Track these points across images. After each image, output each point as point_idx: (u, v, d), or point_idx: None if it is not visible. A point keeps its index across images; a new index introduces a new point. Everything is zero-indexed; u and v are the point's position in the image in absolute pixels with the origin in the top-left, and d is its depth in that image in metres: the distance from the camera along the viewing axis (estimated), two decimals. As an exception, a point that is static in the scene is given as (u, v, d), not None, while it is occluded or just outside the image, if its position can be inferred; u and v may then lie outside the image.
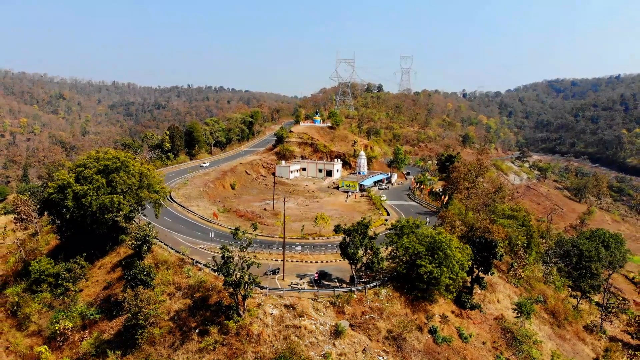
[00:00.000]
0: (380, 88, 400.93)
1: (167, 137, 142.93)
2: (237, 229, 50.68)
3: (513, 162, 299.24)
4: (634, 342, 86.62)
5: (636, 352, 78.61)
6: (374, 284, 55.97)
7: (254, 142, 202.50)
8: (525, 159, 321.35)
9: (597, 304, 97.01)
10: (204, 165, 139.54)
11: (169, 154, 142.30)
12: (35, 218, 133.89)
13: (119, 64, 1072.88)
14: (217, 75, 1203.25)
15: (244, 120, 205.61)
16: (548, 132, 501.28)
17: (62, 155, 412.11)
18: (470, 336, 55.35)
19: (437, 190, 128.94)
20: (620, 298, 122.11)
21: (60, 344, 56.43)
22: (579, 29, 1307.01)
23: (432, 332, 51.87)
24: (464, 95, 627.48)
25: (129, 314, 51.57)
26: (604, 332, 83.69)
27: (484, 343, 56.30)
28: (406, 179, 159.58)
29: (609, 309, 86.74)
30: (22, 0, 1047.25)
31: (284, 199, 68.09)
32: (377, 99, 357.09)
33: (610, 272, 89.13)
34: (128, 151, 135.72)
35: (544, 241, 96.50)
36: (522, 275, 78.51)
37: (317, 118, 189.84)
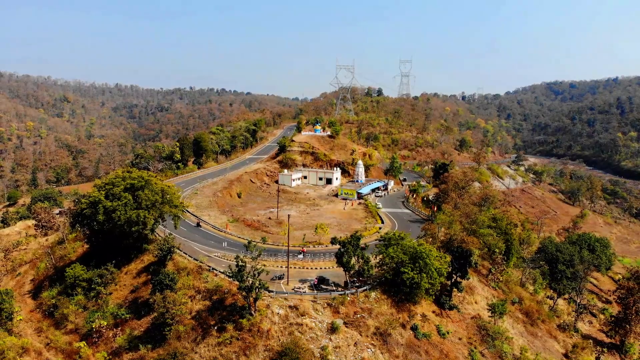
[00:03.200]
0: (380, 92, 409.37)
1: (178, 148, 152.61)
2: (250, 242, 60.01)
3: (509, 166, 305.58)
4: (608, 340, 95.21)
5: (604, 349, 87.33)
6: (365, 288, 65.16)
7: (258, 149, 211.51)
8: (521, 162, 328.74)
9: (576, 304, 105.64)
10: None
11: (179, 164, 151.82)
12: (55, 225, 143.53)
13: (122, 66, 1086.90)
14: (219, 78, 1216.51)
15: (248, 128, 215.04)
16: (545, 135, 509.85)
17: (68, 158, 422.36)
18: (448, 333, 64.47)
19: (430, 197, 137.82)
20: (604, 299, 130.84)
21: (96, 340, 65.20)
22: (579, 30, 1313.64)
23: (414, 329, 61.03)
24: (463, 97, 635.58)
25: (156, 314, 60.90)
26: (577, 331, 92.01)
27: (460, 339, 65.40)
28: (402, 185, 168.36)
29: (581, 310, 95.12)
30: (24, 3, 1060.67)
31: (289, 216, 77.19)
32: (377, 103, 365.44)
33: (582, 275, 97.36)
34: (140, 161, 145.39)
35: (524, 247, 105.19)
36: (501, 279, 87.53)
37: (318, 127, 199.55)
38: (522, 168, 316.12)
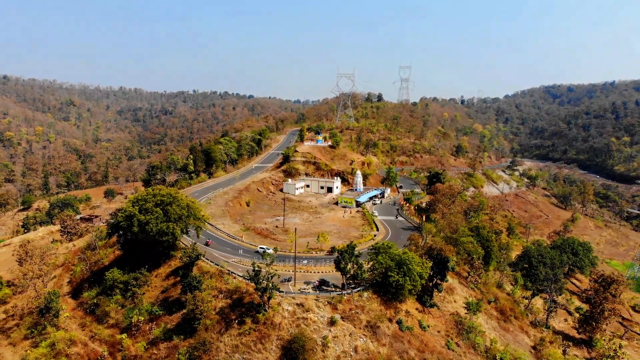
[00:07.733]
0: (380, 97, 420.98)
1: (191, 160, 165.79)
2: (265, 251, 72.86)
3: (504, 171, 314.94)
4: (578, 336, 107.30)
5: (569, 343, 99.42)
6: (359, 289, 78.11)
7: (263, 157, 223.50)
8: (515, 167, 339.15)
9: (556, 303, 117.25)
10: None
11: (192, 174, 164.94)
12: (78, 231, 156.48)
13: (125, 69, 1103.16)
14: (222, 80, 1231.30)
15: (253, 138, 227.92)
16: (542, 139, 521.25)
17: (77, 163, 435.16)
18: (429, 326, 77.10)
19: (423, 206, 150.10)
20: (584, 299, 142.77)
21: (135, 333, 77.73)
22: (580, 32, 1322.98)
23: (399, 322, 73.69)
24: (462, 101, 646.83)
25: (186, 310, 73.64)
26: (548, 327, 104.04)
27: (438, 331, 78.02)
28: (398, 192, 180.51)
29: (551, 308, 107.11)
30: (27, 5, 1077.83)
31: (295, 229, 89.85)
32: (377, 109, 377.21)
33: (553, 278, 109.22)
34: (157, 172, 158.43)
35: (503, 252, 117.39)
36: (480, 281, 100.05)
37: (319, 138, 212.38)
38: (516, 173, 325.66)
